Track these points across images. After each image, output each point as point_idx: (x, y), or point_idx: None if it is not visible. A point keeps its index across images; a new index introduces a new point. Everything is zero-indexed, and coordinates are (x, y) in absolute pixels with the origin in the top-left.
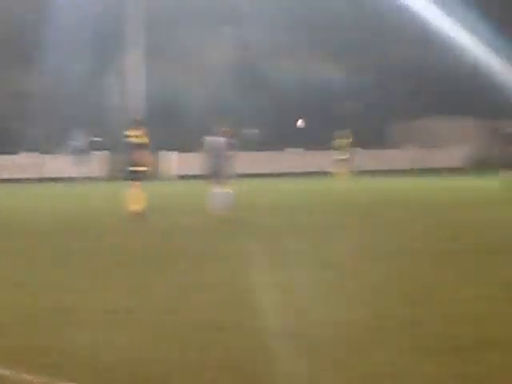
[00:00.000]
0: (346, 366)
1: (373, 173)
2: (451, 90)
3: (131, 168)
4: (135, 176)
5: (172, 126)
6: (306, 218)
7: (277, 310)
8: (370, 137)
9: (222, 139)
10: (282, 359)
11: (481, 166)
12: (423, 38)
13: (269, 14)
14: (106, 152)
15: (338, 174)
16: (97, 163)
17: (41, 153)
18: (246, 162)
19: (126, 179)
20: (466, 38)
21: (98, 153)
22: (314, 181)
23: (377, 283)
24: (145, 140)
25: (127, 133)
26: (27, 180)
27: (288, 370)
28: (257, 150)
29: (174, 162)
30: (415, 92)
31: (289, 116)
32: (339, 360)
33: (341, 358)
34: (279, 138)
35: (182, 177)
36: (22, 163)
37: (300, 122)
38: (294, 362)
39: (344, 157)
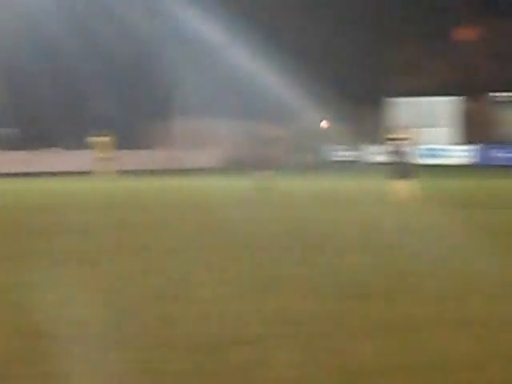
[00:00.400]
0: (88, 364)
1: (131, 173)
2: (210, 91)
3: None
4: None
5: None
6: (60, 218)
7: (26, 309)
8: (127, 137)
9: None
10: (33, 360)
11: (237, 166)
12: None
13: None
14: None
15: (99, 173)
16: None
17: None
18: (2, 161)
19: None
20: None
21: None
22: (73, 181)
23: (131, 280)
24: None
25: None
26: None
27: (35, 370)
28: (14, 150)
29: None
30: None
31: (43, 115)
32: (82, 360)
33: (84, 357)
34: (36, 137)
35: None
36: None
37: (324, 123)
38: (40, 362)
39: (105, 156)
